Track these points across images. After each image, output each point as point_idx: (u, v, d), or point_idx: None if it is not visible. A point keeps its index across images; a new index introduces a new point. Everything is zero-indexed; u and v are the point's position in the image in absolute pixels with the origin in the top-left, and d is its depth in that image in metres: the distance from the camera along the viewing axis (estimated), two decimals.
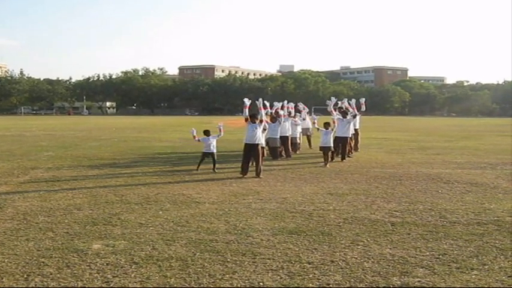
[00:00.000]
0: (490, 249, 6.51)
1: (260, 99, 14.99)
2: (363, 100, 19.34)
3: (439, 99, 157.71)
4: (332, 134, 15.81)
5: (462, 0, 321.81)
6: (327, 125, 15.88)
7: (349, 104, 18.90)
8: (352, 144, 18.59)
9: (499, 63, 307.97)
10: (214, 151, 14.37)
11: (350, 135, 17.55)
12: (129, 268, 5.71)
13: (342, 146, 16.77)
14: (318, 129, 16.08)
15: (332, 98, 18.80)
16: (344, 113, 17.59)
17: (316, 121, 16.76)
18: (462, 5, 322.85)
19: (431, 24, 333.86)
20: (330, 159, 15.69)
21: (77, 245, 6.55)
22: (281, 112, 17.49)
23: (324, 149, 15.56)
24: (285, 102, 19.15)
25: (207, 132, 14.76)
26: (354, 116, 18.03)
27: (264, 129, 14.01)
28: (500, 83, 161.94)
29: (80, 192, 10.55)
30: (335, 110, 17.85)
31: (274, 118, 16.76)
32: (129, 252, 6.26)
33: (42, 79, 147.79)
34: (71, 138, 29.39)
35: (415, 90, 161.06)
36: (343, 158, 16.77)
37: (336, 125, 16.25)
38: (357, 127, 19.31)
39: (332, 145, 15.72)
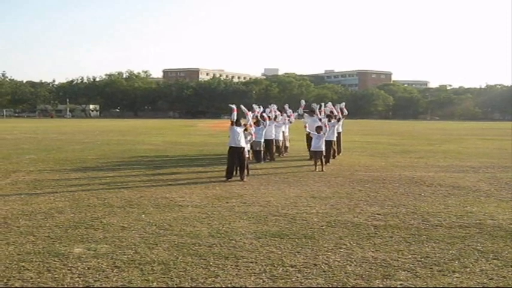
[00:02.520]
0: (472, 252, 6.55)
1: (249, 110, 15.05)
2: (343, 104, 19.71)
3: (423, 103, 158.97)
4: (324, 138, 15.77)
5: (445, 5, 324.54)
6: (318, 129, 15.77)
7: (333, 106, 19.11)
8: (335, 147, 18.64)
9: (481, 68, 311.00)
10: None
11: (334, 139, 17.63)
12: (111, 272, 5.66)
13: (326, 149, 16.79)
14: (310, 133, 15.96)
15: (313, 104, 18.93)
16: (329, 116, 17.68)
17: (307, 125, 16.66)
18: (445, 10, 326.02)
19: (415, 28, 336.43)
20: (323, 163, 15.60)
21: (58, 249, 6.49)
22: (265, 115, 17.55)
23: (316, 153, 15.49)
24: (260, 108, 18.91)
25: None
26: (339, 120, 18.23)
27: (250, 133, 14.07)
28: (483, 87, 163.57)
29: (62, 196, 10.46)
30: (319, 114, 17.89)
31: (259, 121, 16.75)
32: (111, 256, 6.21)
33: (25, 81, 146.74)
34: (53, 141, 29.14)
35: (399, 94, 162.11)
36: (327, 161, 16.78)
37: (327, 129, 16.20)
38: (340, 130, 19.49)
39: (324, 149, 15.66)
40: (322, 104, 19.68)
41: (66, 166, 15.90)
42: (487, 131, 52.31)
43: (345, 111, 19.44)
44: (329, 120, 17.15)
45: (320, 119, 17.00)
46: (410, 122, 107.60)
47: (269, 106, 20.12)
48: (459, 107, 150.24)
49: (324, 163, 15.51)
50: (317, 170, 15.18)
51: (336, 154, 18.56)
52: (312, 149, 15.66)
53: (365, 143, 29.10)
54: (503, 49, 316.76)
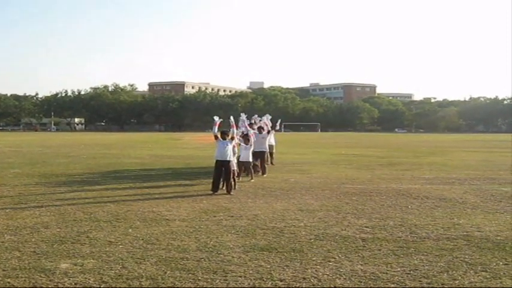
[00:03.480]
0: (460, 264, 6.57)
1: (234, 118, 14.99)
2: (278, 121, 21.20)
3: (407, 115, 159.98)
4: (251, 149, 15.96)
5: (428, 18, 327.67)
6: (246, 140, 15.87)
7: (260, 120, 19.81)
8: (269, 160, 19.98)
9: (464, 81, 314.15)
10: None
11: (267, 150, 18.10)
12: None
13: (261, 160, 17.12)
14: (240, 144, 15.99)
15: (242, 114, 18.97)
16: (259, 128, 18.04)
17: (239, 136, 16.56)
18: (429, 23, 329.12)
19: (399, 41, 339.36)
20: (252, 172, 16.03)
21: (44, 265, 6.41)
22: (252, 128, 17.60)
23: (244, 164, 15.74)
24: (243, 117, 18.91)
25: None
26: (268, 132, 18.73)
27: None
28: (467, 99, 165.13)
29: (48, 210, 10.34)
30: (250, 126, 17.83)
31: (248, 140, 16.50)
32: (98, 272, 6.14)
33: (9, 95, 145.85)
34: (38, 154, 28.92)
35: (384, 106, 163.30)
36: (263, 173, 17.22)
37: (254, 139, 16.35)
38: (273, 143, 20.86)
39: (251, 160, 15.91)
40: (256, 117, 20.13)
41: (52, 180, 15.77)
42: (471, 143, 52.69)
43: (277, 127, 20.44)
44: (260, 132, 17.43)
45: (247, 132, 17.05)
46: (395, 134, 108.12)
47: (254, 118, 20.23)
48: (443, 119, 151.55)
49: (253, 173, 16.05)
50: (252, 180, 15.64)
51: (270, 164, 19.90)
52: (240, 159, 15.71)
53: (351, 156, 29.19)
54: (486, 62, 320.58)
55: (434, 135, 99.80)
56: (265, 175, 17.12)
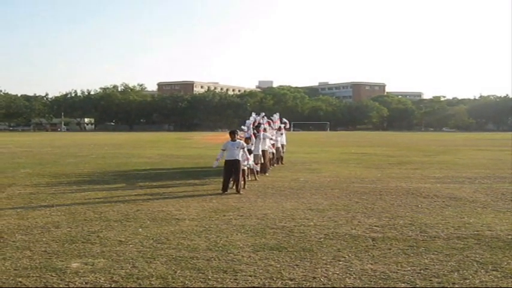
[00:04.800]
0: (471, 263, 6.54)
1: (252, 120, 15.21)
2: (283, 120, 22.09)
3: (417, 114, 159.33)
4: (251, 148, 15.77)
5: (438, 16, 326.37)
6: (247, 140, 15.73)
7: (271, 119, 20.40)
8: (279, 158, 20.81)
9: (474, 79, 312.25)
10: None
11: (266, 148, 17.94)
12: (109, 287, 5.62)
13: (263, 159, 17.19)
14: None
15: (253, 113, 18.99)
16: (257, 127, 17.93)
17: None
18: (438, 21, 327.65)
19: (408, 39, 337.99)
20: (255, 173, 15.99)
21: (55, 264, 6.44)
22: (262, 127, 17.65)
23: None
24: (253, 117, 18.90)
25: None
26: (264, 130, 18.58)
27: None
28: (477, 98, 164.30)
29: (58, 210, 10.40)
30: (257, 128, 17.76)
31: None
32: (109, 271, 6.17)
33: (19, 95, 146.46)
34: (48, 154, 29.06)
35: (393, 105, 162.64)
36: (264, 172, 17.27)
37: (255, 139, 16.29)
38: (284, 143, 21.62)
39: (253, 160, 15.71)
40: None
41: (62, 180, 15.85)
42: (481, 141, 52.44)
43: (287, 126, 21.79)
44: (258, 132, 17.38)
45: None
46: (404, 133, 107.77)
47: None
48: (453, 117, 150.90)
49: (255, 173, 15.94)
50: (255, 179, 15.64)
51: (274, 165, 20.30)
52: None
53: (360, 155, 29.15)
54: (496, 60, 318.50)
55: (444, 133, 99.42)
56: (266, 174, 17.20)
